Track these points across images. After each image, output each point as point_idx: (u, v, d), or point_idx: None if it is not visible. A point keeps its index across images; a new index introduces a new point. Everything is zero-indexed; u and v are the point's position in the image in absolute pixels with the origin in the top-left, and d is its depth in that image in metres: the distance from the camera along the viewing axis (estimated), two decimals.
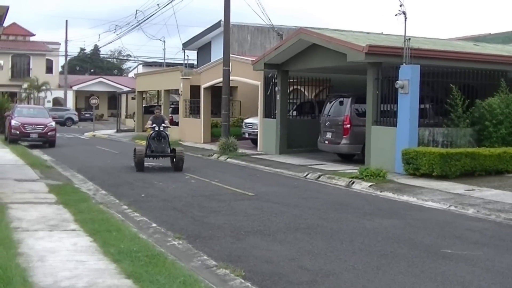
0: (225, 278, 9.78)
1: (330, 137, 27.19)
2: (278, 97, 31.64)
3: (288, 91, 32.96)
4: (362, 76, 25.61)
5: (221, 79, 33.51)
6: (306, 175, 23.40)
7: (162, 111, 27.38)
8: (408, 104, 22.34)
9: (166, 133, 25.88)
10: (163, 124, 25.64)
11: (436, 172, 20.56)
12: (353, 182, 20.85)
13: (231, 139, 31.92)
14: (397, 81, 22.58)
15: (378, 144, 23.83)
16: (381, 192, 19.18)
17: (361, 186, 20.34)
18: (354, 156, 27.28)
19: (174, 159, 25.49)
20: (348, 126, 26.19)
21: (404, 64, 22.57)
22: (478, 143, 23.54)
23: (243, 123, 37.25)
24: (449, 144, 23.15)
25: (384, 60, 24.09)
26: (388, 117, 24.08)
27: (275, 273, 10.16)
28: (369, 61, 24.06)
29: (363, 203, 17.43)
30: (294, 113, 33.78)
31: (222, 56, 33.83)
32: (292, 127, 31.92)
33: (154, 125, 25.50)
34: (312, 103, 34.25)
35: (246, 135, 36.55)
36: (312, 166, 25.30)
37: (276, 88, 31.83)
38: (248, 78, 35.10)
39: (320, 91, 35.24)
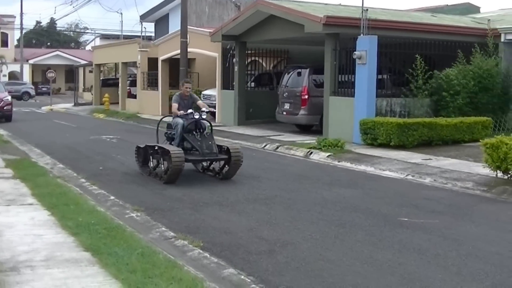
0: (183, 249, 9.82)
1: (288, 108, 27.19)
2: (236, 68, 31.57)
3: (246, 62, 32.92)
4: (320, 47, 25.62)
5: (178, 51, 33.26)
6: (264, 146, 23.43)
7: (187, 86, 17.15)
8: (365, 75, 22.41)
9: (207, 122, 16.97)
10: (203, 109, 16.66)
11: (394, 142, 20.69)
12: (311, 153, 20.93)
13: (190, 111, 31.72)
14: (354, 52, 22.62)
15: (336, 115, 23.92)
16: (339, 162, 19.27)
17: (319, 156, 20.42)
18: (312, 127, 27.32)
19: (225, 164, 16.45)
20: (306, 97, 26.21)
21: (361, 35, 22.60)
22: (435, 113, 23.71)
23: (201, 95, 37.07)
24: (407, 114, 23.33)
25: (342, 31, 24.12)
26: (346, 88, 24.17)
27: (233, 244, 10.22)
28: (327, 32, 24.06)
29: (321, 173, 17.52)
30: (252, 84, 33.71)
31: (179, 28, 33.59)
32: (250, 98, 31.90)
33: (190, 110, 16.48)
34: (270, 75, 34.24)
35: None
36: (271, 137, 25.32)
37: (234, 60, 31.75)
38: (206, 50, 34.94)
39: (278, 62, 35.24)
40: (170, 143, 16.67)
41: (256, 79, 34.19)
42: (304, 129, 27.79)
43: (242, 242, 10.31)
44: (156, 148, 16.41)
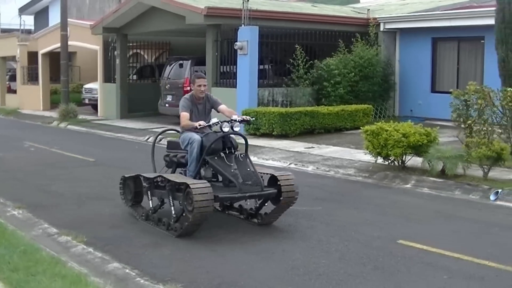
0: (67, 245, 9.67)
1: (170, 100, 26.98)
2: (117, 61, 31.12)
3: (128, 55, 32.50)
4: (202, 38, 25.51)
5: (59, 45, 32.62)
6: (147, 138, 23.15)
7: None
8: (247, 65, 22.42)
9: (242, 137, 11.03)
10: (234, 117, 10.92)
11: (276, 131, 20.80)
12: None
13: (71, 105, 31.20)
14: (236, 43, 22.60)
15: None
16: None
17: None
18: None
19: (270, 201, 10.84)
20: (188, 88, 25.98)
21: (242, 26, 22.60)
22: (317, 102, 23.95)
23: (83, 89, 36.48)
24: (289, 104, 23.47)
25: (223, 22, 24.07)
26: (228, 79, 24.18)
27: (118, 237, 10.14)
28: (208, 23, 23.97)
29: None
30: (135, 77, 33.36)
31: (60, 21, 32.91)
32: (132, 91, 31.49)
33: (214, 120, 10.86)
34: (152, 67, 33.94)
35: (87, 101, 35.74)
36: (153, 130, 25.00)
37: (116, 52, 31.32)
38: (87, 43, 34.32)
39: (160, 54, 34.96)
40: (175, 171, 11.53)
41: (138, 71, 33.84)
42: None
43: (127, 236, 10.24)
44: (158, 180, 11.11)
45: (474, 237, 8.62)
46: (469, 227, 10.86)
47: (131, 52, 33.43)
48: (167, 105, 27.36)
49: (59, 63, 32.66)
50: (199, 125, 10.63)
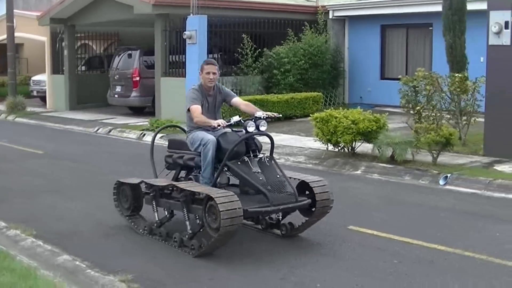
0: (16, 239, 9.51)
1: (120, 90, 26.83)
2: (65, 52, 30.76)
3: (76, 46, 32.16)
4: (150, 28, 25.34)
5: (5, 36, 32.16)
6: (97, 130, 22.98)
7: None
8: (196, 54, 22.28)
9: (268, 136, 9.37)
10: (259, 114, 9.16)
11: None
12: (144, 135, 20.68)
13: (19, 97, 30.76)
14: (185, 32, 22.48)
15: (168, 96, 23.73)
16: None
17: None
18: (145, 109, 27.07)
19: (306, 213, 9.44)
20: (138, 78, 25.94)
21: (191, 15, 22.47)
22: (267, 90, 23.96)
23: (31, 81, 36.03)
24: (239, 92, 23.39)
25: (172, 12, 23.94)
26: (177, 68, 24.09)
27: (69, 230, 10.03)
28: (157, 13, 23.81)
29: (155, 154, 17.29)
30: (83, 68, 33.05)
31: (5, 12, 32.44)
32: (81, 82, 31.14)
33: (235, 118, 9.18)
34: (101, 58, 33.63)
35: (35, 93, 35.27)
36: (103, 121, 24.85)
37: (63, 43, 30.97)
38: (34, 34, 33.88)
39: (109, 45, 34.68)
40: (178, 178, 10.10)
41: (86, 62, 33.52)
42: (137, 111, 27.47)
43: (78, 228, 10.12)
44: (169, 188, 9.58)
45: (424, 221, 8.69)
46: (419, 212, 10.95)
47: (79, 43, 33.11)
48: (116, 96, 27.19)
49: (6, 55, 32.21)
50: (218, 125, 8.89)
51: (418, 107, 16.19)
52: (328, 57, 25.26)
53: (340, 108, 16.21)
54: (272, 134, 17.27)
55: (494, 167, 14.15)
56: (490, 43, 15.10)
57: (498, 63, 14.93)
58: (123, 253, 8.88)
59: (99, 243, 9.35)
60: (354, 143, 15.35)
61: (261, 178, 8.71)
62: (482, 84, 15.93)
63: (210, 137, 9.11)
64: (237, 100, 9.88)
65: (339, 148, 15.61)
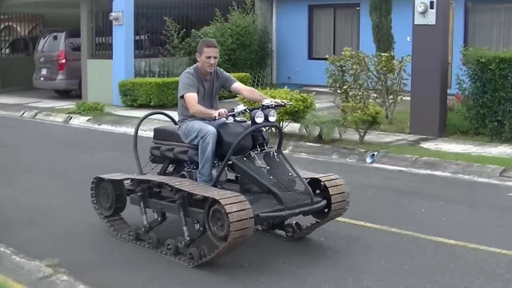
0: None
1: (45, 73, 26.33)
2: None
3: (0, 28, 31.55)
4: (76, 9, 24.94)
5: None
6: (22, 114, 22.54)
7: None
8: (123, 36, 22.09)
9: (279, 128, 8.54)
10: (266, 102, 7.96)
11: (154, 102, 20.59)
12: (71, 118, 20.38)
13: (239, 108, 30.09)
14: (111, 13, 22.22)
15: (94, 78, 23.45)
16: (99, 125, 18.92)
17: (79, 121, 19.93)
18: (72, 92, 26.61)
19: (319, 214, 8.24)
20: (64, 61, 25.48)
21: None
22: None
23: None
24: (166, 74, 23.28)
25: None
26: (103, 50, 23.78)
27: None
28: None
29: (81, 138, 17.16)
30: (7, 51, 32.41)
31: None
32: (5, 65, 30.46)
33: (240, 107, 8.04)
34: (25, 40, 33.00)
35: None
36: (28, 105, 24.38)
37: None
38: None
39: (34, 27, 34.05)
40: (166, 172, 8.90)
41: (11, 45, 32.85)
42: (63, 94, 26.96)
43: (1, 215, 9.84)
44: (158, 185, 8.47)
45: (351, 199, 8.71)
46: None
47: (2, 25, 32.44)
48: (42, 78, 26.69)
49: None
50: (219, 115, 7.82)
51: (345, 87, 16.30)
52: (256, 37, 25.22)
53: (268, 88, 16.19)
54: None
55: (420, 145, 14.36)
56: (415, 22, 15.26)
57: (424, 43, 15.11)
58: (49, 237, 8.70)
59: (25, 228, 9.13)
60: (281, 122, 15.35)
61: (271, 177, 7.61)
62: (408, 63, 16.13)
63: (209, 129, 7.90)
64: (238, 86, 8.66)
65: (267, 128, 15.57)
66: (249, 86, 21.90)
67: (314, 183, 8.14)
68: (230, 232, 6.89)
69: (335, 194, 7.98)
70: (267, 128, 8.28)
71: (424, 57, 15.08)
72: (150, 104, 20.65)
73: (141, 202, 8.42)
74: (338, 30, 25.65)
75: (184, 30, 23.73)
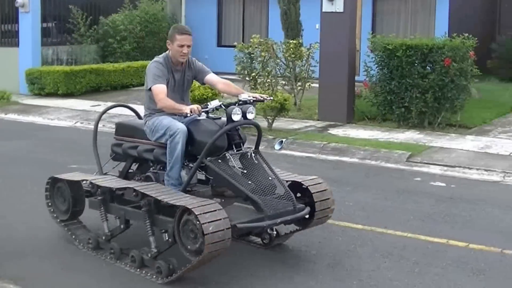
0: None
1: None
2: None
3: None
4: None
5: None
6: None
7: None
8: (29, 23, 21.62)
9: (256, 126, 7.42)
10: (243, 97, 7.31)
11: (62, 91, 20.26)
12: None
13: (213, 104, 29.03)
14: (17, 0, 21.76)
15: (0, 66, 22.96)
16: (6, 114, 18.44)
17: None
18: None
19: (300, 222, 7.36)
20: None
21: None
22: (103, 59, 23.58)
23: None
24: (74, 62, 22.95)
25: None
26: (9, 38, 23.24)
27: None
28: None
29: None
30: None
31: None
32: None
33: (215, 102, 7.23)
34: None
35: None
36: None
37: None
38: None
39: None
40: (129, 171, 8.00)
41: None
42: None
43: None
44: (123, 190, 7.35)
45: None
46: None
47: None
48: None
49: None
50: (191, 112, 6.95)
51: (253, 74, 16.39)
52: (165, 24, 25.03)
53: None
54: (108, 103, 17.16)
55: (328, 131, 14.55)
56: (323, 10, 15.42)
57: (332, 30, 15.28)
58: None
59: None
60: None
61: (249, 182, 6.85)
62: (316, 50, 16.26)
63: (179, 126, 7.12)
64: (212, 78, 7.81)
65: None
66: None
67: (295, 186, 7.39)
68: (205, 245, 6.12)
69: (320, 200, 7.24)
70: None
71: (332, 44, 15.24)
72: (58, 92, 20.30)
73: (102, 207, 7.47)
74: (247, 18, 25.70)
75: (91, 17, 23.42)
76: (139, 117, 8.41)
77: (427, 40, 15.09)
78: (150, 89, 7.35)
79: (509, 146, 13.06)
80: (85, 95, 20.47)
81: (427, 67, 14.48)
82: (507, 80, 21.69)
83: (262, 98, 7.50)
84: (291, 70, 16.75)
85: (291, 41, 16.73)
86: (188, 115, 6.97)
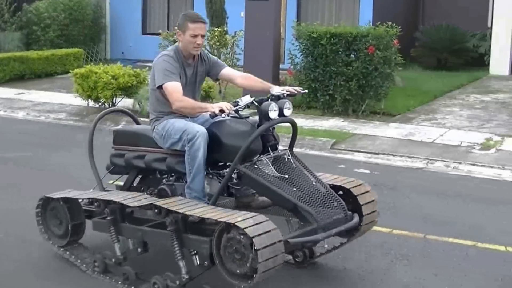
0: None
1: None
2: None
3: None
4: None
5: None
6: None
7: None
8: None
9: (293, 124, 6.31)
10: (276, 89, 6.35)
11: None
12: None
13: (245, 100, 28.02)
14: None
15: None
16: None
17: None
18: None
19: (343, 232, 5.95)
20: None
21: None
22: (27, 47, 23.27)
23: None
24: None
25: None
26: None
27: None
28: None
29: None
30: None
31: None
32: None
33: (247, 98, 6.11)
34: None
35: None
36: None
37: None
38: None
39: None
40: (131, 186, 6.84)
41: None
42: None
43: None
44: (145, 207, 6.13)
45: None
46: None
47: None
48: None
49: None
50: (220, 112, 5.88)
51: None
52: (89, 12, 24.88)
53: (101, 63, 16.02)
54: (32, 92, 17.00)
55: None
56: None
57: (256, 18, 15.28)
58: None
59: None
60: (114, 98, 15.27)
61: (295, 189, 5.75)
62: (241, 38, 16.26)
63: (197, 128, 5.97)
64: (229, 72, 6.80)
65: (100, 103, 15.50)
66: (83, 62, 21.85)
67: (334, 189, 6.14)
68: (258, 266, 5.06)
69: (365, 203, 6.22)
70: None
71: (257, 32, 15.25)
72: None
73: (112, 229, 6.29)
74: (172, 6, 25.62)
75: (15, 4, 23.06)
76: (136, 122, 7.51)
77: (351, 28, 15.19)
78: (160, 88, 6.21)
79: (432, 133, 13.24)
80: (9, 83, 20.06)
81: (351, 55, 14.58)
82: (431, 69, 22.08)
83: (295, 92, 6.40)
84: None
85: (216, 29, 16.71)
86: (222, 116, 5.92)
